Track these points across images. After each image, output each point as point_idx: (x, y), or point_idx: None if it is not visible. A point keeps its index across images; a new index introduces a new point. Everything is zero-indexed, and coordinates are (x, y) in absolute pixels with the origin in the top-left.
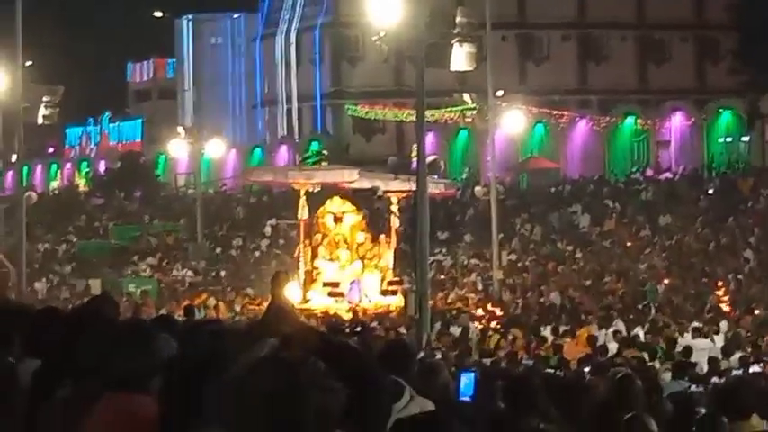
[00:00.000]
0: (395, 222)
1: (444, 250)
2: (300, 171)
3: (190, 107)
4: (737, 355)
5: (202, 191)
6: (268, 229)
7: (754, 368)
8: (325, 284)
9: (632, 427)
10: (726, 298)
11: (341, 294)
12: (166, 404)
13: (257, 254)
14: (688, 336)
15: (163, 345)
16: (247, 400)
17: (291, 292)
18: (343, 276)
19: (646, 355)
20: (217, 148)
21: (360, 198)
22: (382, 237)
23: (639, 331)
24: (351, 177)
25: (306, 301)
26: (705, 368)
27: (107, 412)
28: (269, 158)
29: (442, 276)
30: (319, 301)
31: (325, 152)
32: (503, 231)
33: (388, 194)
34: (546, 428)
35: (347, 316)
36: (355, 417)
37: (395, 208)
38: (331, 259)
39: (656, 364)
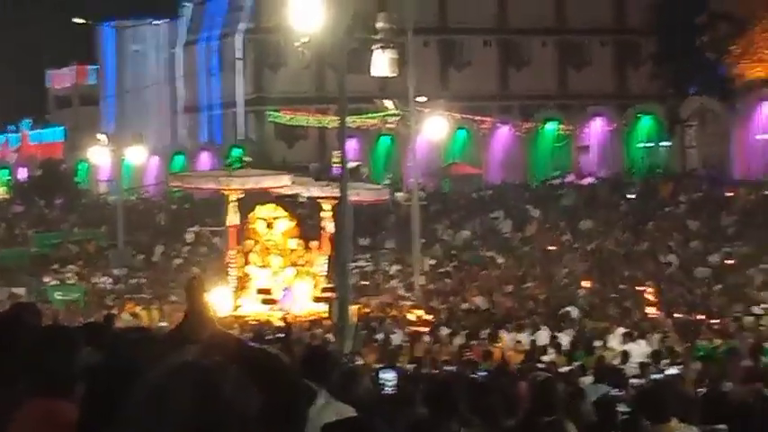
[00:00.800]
0: (329, 228)
1: (368, 256)
2: (231, 177)
3: (112, 114)
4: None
5: (124, 198)
6: (190, 236)
7: (672, 370)
8: (258, 291)
9: (552, 430)
10: (653, 300)
11: (274, 301)
12: (87, 411)
13: (178, 261)
14: (614, 340)
15: (85, 352)
16: (165, 405)
17: (221, 299)
18: (276, 283)
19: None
20: (138, 155)
21: (281, 204)
22: (314, 243)
23: (563, 336)
24: (282, 183)
25: (237, 307)
26: (634, 373)
27: (30, 418)
28: (191, 165)
29: (365, 282)
30: (251, 308)
31: (247, 158)
32: (425, 237)
33: (320, 201)
34: None
35: (279, 323)
36: (272, 423)
37: (328, 214)
38: (263, 266)
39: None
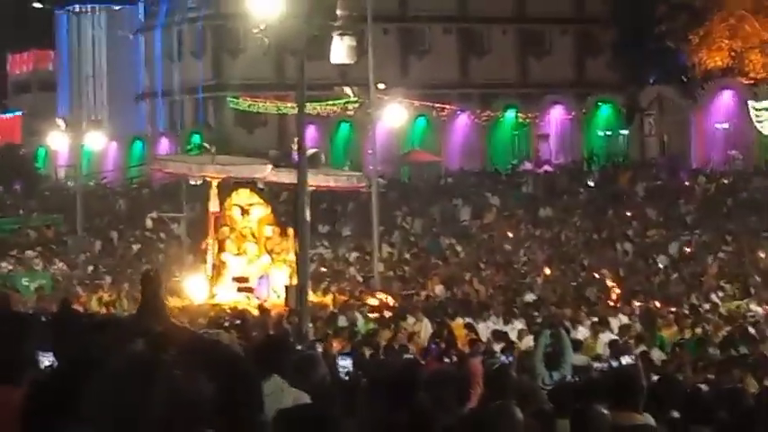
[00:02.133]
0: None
1: (326, 243)
2: (213, 164)
3: (70, 99)
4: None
5: (83, 183)
6: (149, 222)
7: (626, 359)
8: (234, 279)
9: (499, 415)
10: (615, 289)
11: (250, 290)
12: (37, 399)
13: (137, 247)
14: (582, 328)
15: (36, 338)
16: (117, 398)
17: (197, 288)
18: (251, 271)
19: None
20: (97, 141)
21: (256, 191)
22: (291, 230)
23: (521, 324)
24: (265, 172)
25: (213, 296)
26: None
27: None
28: (150, 151)
29: (324, 269)
30: (227, 297)
31: (206, 145)
32: (383, 224)
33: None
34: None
35: (256, 312)
36: (226, 412)
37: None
38: (238, 253)
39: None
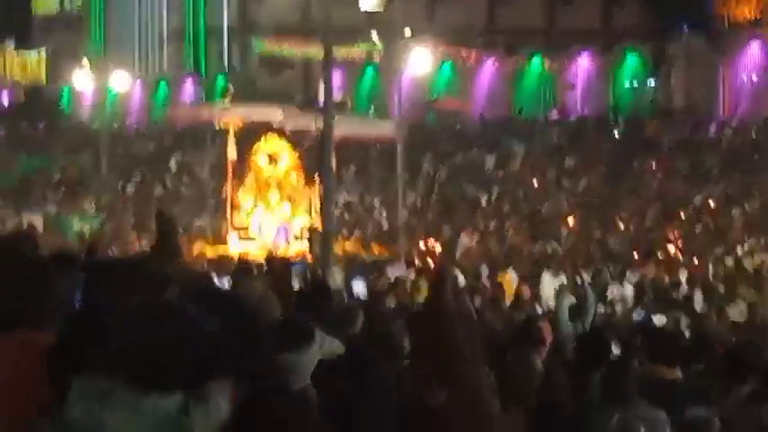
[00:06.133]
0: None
1: (349, 189)
2: (227, 109)
3: (96, 39)
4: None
5: (107, 125)
6: (173, 165)
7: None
8: (234, 228)
9: (515, 360)
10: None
11: (251, 239)
12: (63, 344)
13: (160, 189)
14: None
15: (61, 283)
16: (129, 344)
17: (215, 234)
18: (271, 219)
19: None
20: (122, 82)
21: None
22: (317, 177)
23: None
24: (276, 117)
25: (225, 243)
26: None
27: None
28: (174, 93)
29: (346, 216)
30: (237, 246)
31: (231, 87)
32: (407, 170)
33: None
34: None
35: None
36: (232, 361)
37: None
38: (259, 201)
39: None
